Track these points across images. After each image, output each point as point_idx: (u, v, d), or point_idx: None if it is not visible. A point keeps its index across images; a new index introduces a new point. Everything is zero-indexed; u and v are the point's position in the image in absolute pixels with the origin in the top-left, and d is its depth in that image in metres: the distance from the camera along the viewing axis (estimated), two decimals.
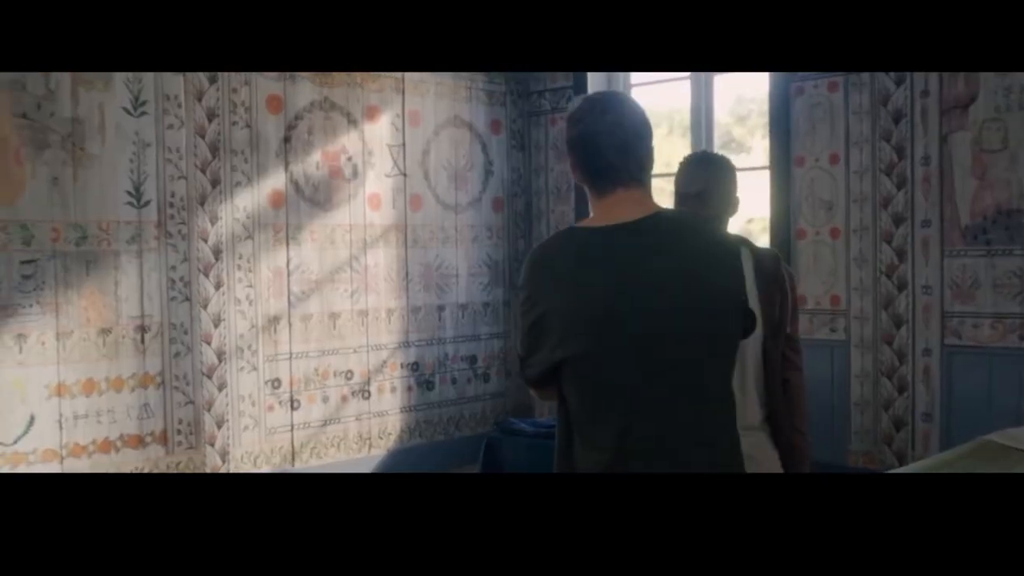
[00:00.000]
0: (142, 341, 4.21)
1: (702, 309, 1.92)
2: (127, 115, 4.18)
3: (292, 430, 4.78)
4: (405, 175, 5.28)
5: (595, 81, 5.65)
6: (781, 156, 4.85)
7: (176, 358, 4.32)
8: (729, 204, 2.66)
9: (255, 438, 4.63)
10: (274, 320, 4.71)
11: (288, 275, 4.77)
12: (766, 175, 4.98)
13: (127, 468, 4.15)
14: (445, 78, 5.48)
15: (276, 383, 4.72)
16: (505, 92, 5.81)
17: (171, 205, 4.30)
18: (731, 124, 5.68)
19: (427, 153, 5.40)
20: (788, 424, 2.61)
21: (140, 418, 4.20)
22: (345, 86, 4.98)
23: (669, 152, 5.48)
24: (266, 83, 4.66)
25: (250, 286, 4.61)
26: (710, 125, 5.39)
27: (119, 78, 4.14)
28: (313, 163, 4.86)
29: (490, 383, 5.69)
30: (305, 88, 4.82)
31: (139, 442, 4.20)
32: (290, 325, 4.77)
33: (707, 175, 2.66)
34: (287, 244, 4.76)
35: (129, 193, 4.18)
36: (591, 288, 1.93)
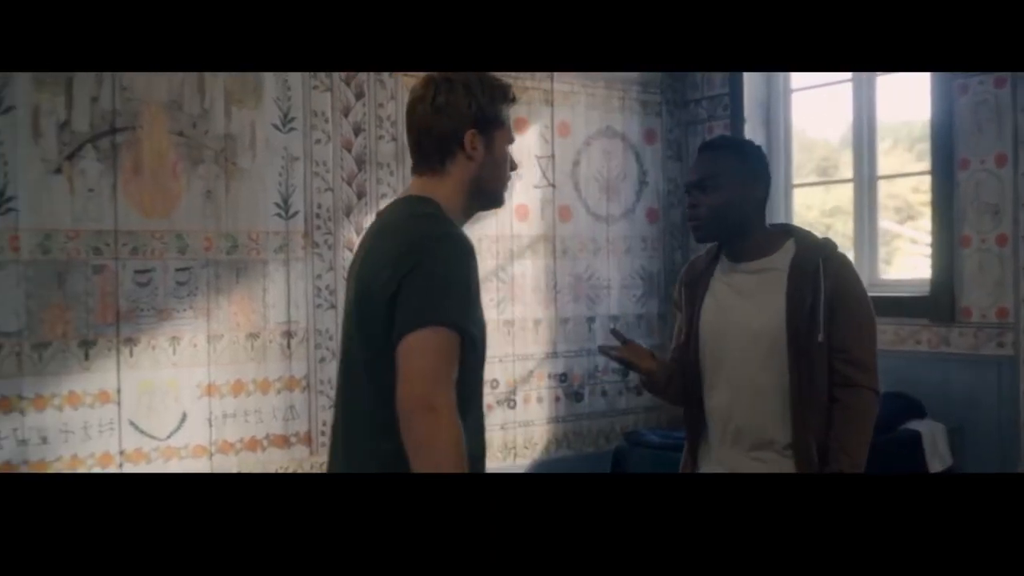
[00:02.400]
0: (288, 346, 4.42)
1: (360, 307, 1.91)
2: (276, 131, 4.41)
3: None
4: (554, 186, 5.31)
5: (752, 86, 5.50)
6: (943, 159, 4.55)
7: (321, 363, 4.50)
8: (735, 190, 2.40)
9: None
10: None
11: None
12: (927, 180, 4.68)
13: (272, 467, 4.36)
14: (597, 89, 5.47)
15: None
16: (660, 102, 5.73)
17: (317, 216, 4.50)
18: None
19: (577, 164, 5.40)
20: (821, 447, 2.30)
21: (286, 419, 4.41)
22: None
23: (894, 167, 5.24)
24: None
25: None
26: (872, 131, 5.10)
27: (269, 96, 4.38)
28: None
29: (643, 396, 5.58)
30: None
31: (284, 442, 4.41)
32: None
33: (706, 162, 2.46)
34: None
35: (277, 205, 4.41)
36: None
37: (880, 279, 5.00)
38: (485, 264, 5.04)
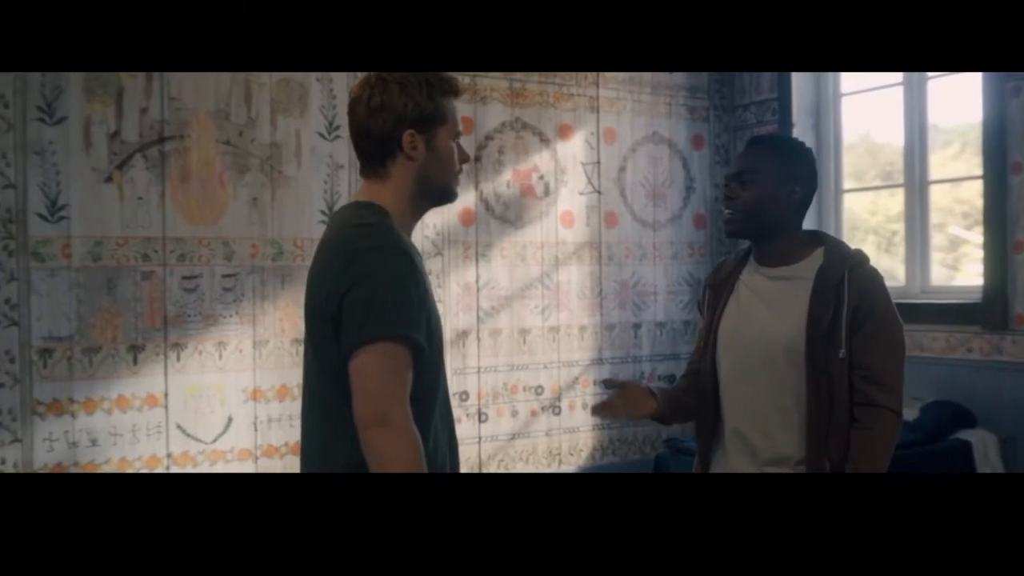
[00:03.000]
0: None
1: (308, 312, 1.95)
2: (322, 139, 4.46)
3: (479, 442, 4.89)
4: (599, 192, 5.30)
5: (800, 90, 5.44)
6: (995, 163, 4.45)
7: None
8: (774, 189, 2.35)
9: None
10: (463, 334, 4.85)
11: (477, 291, 4.90)
12: (978, 185, 4.59)
13: None
14: (643, 95, 5.45)
15: (464, 396, 4.85)
16: (708, 107, 5.69)
17: None
18: None
19: (623, 170, 5.39)
20: (839, 466, 2.22)
21: None
22: (537, 106, 5.07)
23: (961, 171, 5.12)
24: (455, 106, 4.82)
25: (439, 301, 4.77)
26: (924, 134, 5.01)
27: (314, 105, 4.44)
28: (504, 182, 4.98)
29: None
30: (496, 109, 4.95)
31: None
32: (479, 340, 4.89)
33: (749, 155, 2.41)
34: (476, 261, 4.89)
35: (322, 212, 4.46)
36: None
37: (931, 286, 4.90)
38: (530, 271, 5.05)
